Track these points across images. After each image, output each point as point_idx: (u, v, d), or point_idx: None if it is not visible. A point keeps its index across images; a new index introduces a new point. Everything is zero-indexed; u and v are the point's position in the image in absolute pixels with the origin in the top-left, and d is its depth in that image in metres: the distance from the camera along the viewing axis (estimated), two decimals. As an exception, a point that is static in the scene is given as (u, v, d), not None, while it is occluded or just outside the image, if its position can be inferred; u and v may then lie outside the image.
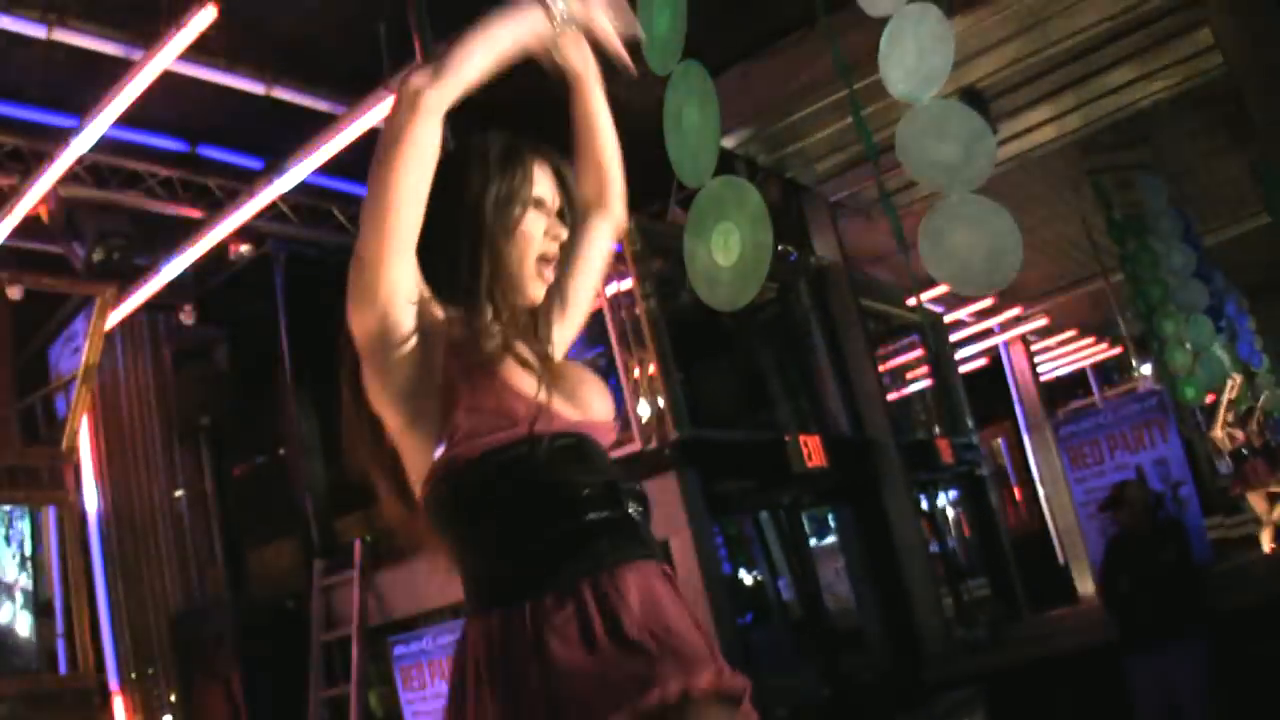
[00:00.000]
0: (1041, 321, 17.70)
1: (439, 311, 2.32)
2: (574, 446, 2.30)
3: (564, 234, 2.48)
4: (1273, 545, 11.33)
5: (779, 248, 9.50)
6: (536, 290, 2.46)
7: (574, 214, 2.53)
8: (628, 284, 8.35)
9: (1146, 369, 14.26)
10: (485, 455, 2.23)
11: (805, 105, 8.50)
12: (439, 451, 2.27)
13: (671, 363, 8.16)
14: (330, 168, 8.44)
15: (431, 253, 2.33)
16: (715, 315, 7.54)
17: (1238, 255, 16.14)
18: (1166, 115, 10.62)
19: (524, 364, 2.31)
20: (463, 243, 2.38)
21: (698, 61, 4.48)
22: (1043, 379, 19.15)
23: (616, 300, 8.32)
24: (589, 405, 2.39)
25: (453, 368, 2.27)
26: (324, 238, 9.60)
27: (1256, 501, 11.97)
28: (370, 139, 7.61)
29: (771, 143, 9.12)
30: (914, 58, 4.55)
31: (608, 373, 8.38)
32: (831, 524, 11.61)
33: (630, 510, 2.29)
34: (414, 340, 2.29)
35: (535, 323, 2.54)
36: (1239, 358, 15.84)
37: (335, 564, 9.63)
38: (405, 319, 2.27)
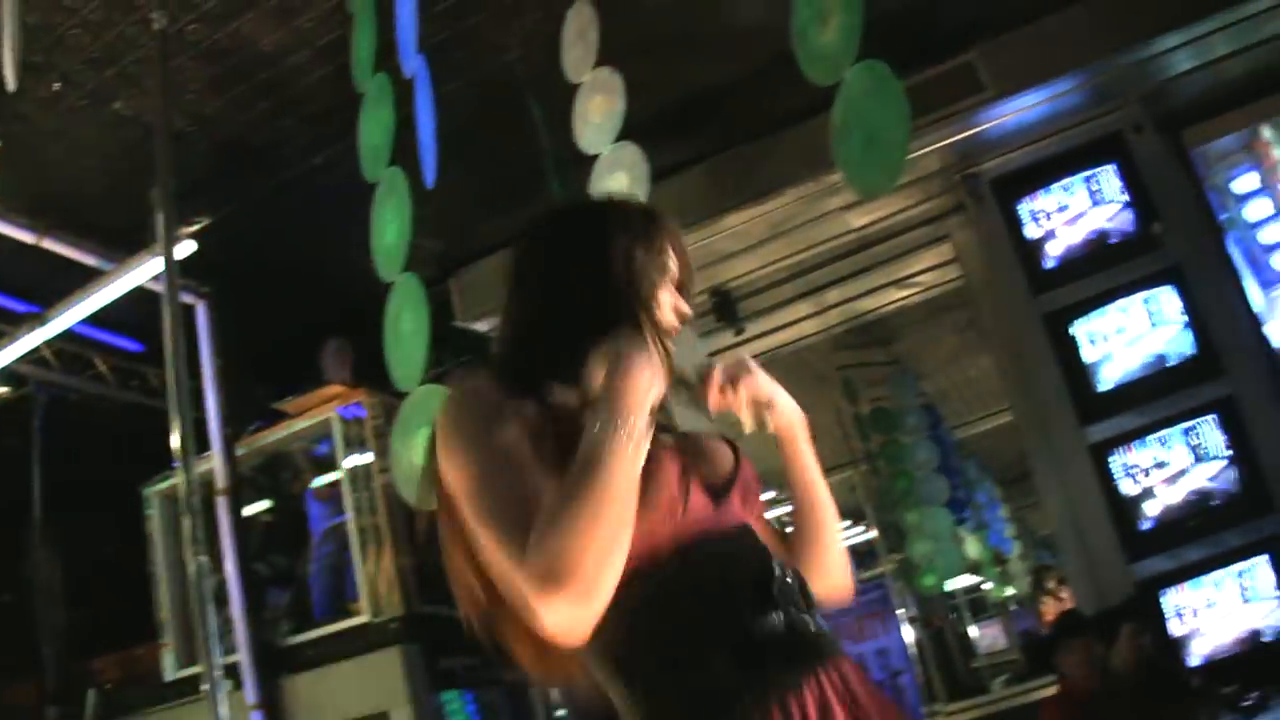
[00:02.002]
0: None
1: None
2: (717, 556, 1.98)
3: (688, 310, 2.28)
4: None
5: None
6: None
7: (689, 289, 2.32)
8: (368, 457, 8.36)
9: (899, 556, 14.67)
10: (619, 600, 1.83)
11: (557, 296, 8.47)
12: None
13: (403, 537, 8.16)
14: (95, 319, 8.43)
15: (558, 319, 2.13)
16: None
17: (991, 446, 16.70)
18: (917, 316, 11.08)
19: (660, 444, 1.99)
20: (599, 301, 2.11)
21: (415, 275, 4.66)
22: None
23: (354, 473, 8.35)
24: (723, 476, 2.14)
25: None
26: (84, 386, 9.60)
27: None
28: (137, 295, 7.75)
29: (526, 328, 9.11)
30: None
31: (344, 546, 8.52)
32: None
33: (789, 614, 1.94)
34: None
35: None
36: (989, 545, 16.36)
37: (68, 711, 9.38)
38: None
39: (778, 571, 1.97)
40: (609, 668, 1.94)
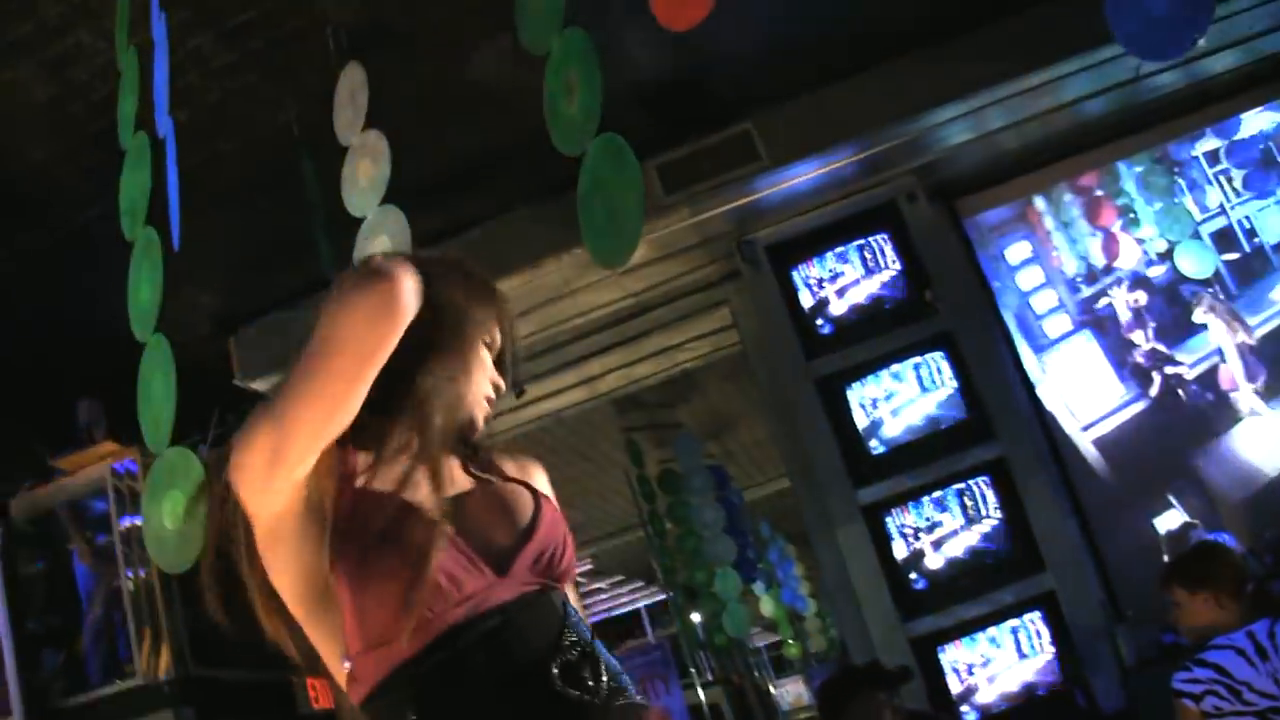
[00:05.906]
0: (586, 565, 17.84)
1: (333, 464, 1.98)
2: (489, 638, 1.87)
3: (503, 384, 2.29)
4: None
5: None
6: (479, 417, 2.22)
7: (511, 368, 2.34)
8: (139, 519, 8.12)
9: (695, 617, 14.71)
10: (392, 676, 1.89)
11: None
12: (345, 667, 1.99)
13: (176, 599, 7.98)
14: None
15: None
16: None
17: (783, 506, 16.85)
18: (702, 379, 11.15)
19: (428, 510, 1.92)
20: (427, 354, 2.03)
21: (164, 336, 4.59)
22: (597, 620, 19.49)
23: (127, 535, 8.14)
24: (507, 541, 2.02)
25: (343, 541, 1.92)
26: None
27: None
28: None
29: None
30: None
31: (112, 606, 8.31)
32: (350, 761, 11.29)
33: (583, 694, 1.85)
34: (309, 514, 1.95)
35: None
36: (784, 604, 16.51)
37: None
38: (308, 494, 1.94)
39: (566, 641, 1.91)
40: None
